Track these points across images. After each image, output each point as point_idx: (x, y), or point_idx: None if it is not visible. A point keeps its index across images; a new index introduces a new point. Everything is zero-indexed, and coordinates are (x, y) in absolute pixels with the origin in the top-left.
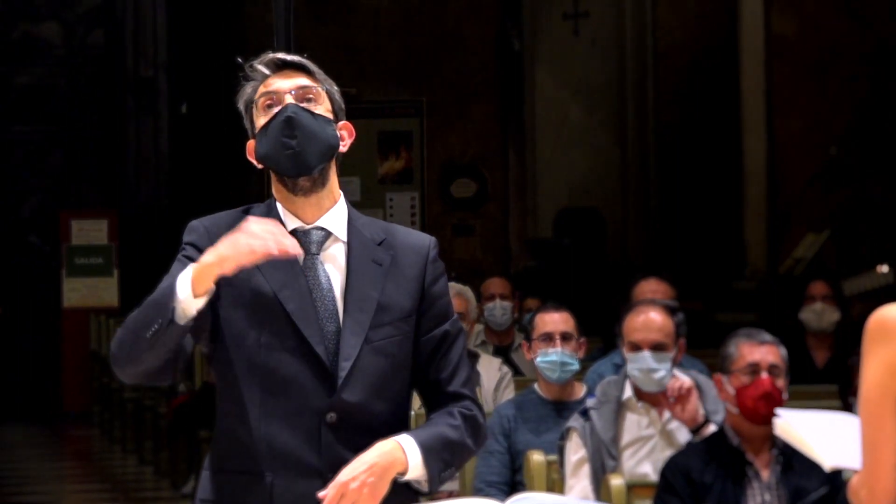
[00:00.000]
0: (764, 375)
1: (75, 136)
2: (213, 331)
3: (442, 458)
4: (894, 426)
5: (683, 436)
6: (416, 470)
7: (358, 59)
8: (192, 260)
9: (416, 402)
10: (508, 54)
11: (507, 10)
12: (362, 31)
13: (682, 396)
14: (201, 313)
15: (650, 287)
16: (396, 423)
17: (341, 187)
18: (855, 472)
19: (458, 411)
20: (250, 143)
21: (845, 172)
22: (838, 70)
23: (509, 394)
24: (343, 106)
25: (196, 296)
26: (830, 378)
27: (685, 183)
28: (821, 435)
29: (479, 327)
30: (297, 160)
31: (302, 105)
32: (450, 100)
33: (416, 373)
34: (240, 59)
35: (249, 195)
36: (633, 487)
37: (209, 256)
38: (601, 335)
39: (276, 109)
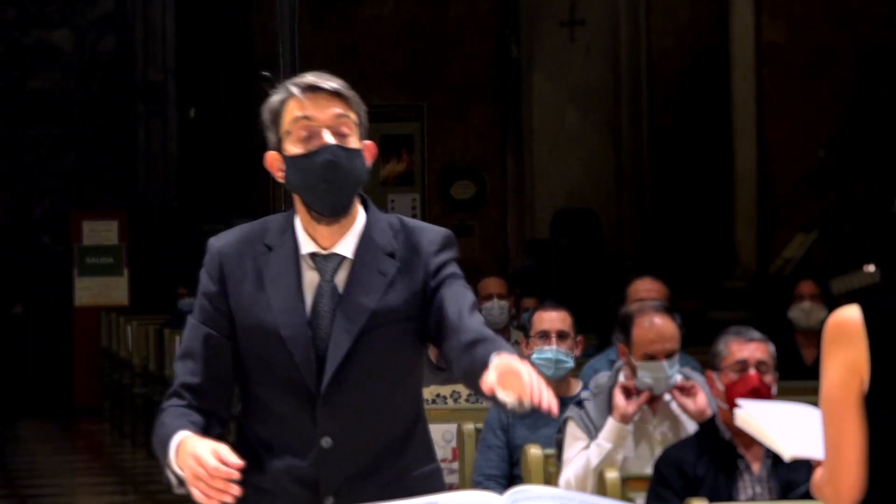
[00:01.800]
0: (752, 372)
1: (87, 139)
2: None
3: None
4: (856, 425)
5: (658, 433)
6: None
7: (360, 64)
8: (206, 297)
9: None
10: (507, 60)
11: (506, 17)
12: (365, 38)
13: (689, 391)
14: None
15: (645, 286)
16: (404, 436)
17: None
18: (817, 463)
19: (490, 335)
20: (272, 156)
21: (833, 175)
22: (827, 76)
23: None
24: (367, 123)
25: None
26: (819, 375)
27: (678, 185)
28: (781, 426)
29: None
30: (333, 202)
31: (339, 143)
32: (450, 104)
33: (436, 335)
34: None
35: (255, 196)
36: (628, 480)
37: (185, 456)
38: (597, 333)
39: (313, 144)
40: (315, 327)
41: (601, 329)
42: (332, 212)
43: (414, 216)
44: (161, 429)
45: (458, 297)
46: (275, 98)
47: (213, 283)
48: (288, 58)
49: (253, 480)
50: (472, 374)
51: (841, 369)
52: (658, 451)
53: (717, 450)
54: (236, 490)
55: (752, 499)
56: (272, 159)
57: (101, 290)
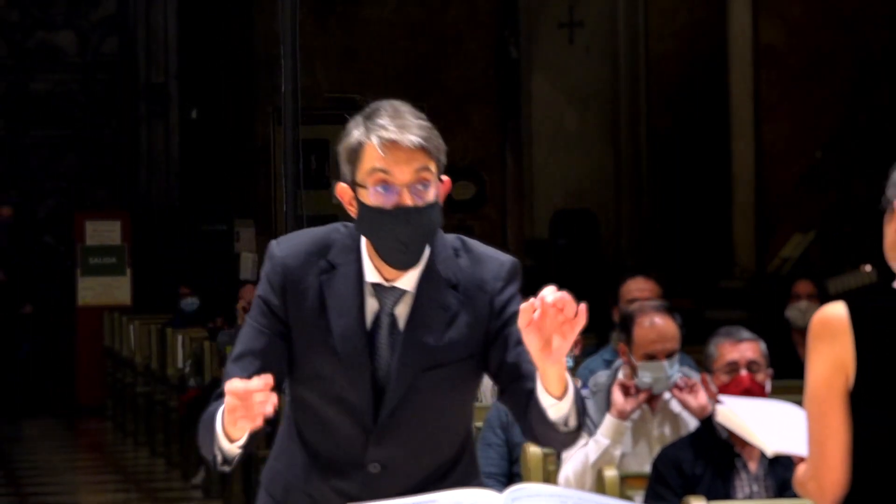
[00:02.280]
0: (743, 372)
1: (89, 140)
2: (288, 366)
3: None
4: (841, 421)
5: (657, 432)
6: (567, 402)
7: (362, 66)
8: (265, 303)
9: None
10: (506, 62)
11: (505, 19)
12: (366, 40)
13: (690, 388)
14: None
15: (637, 285)
16: (453, 459)
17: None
18: (798, 459)
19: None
20: (345, 189)
21: (830, 176)
22: (823, 78)
23: None
24: (445, 160)
25: (232, 442)
26: None
27: (676, 186)
28: (762, 422)
29: None
30: (406, 258)
31: (416, 204)
32: (450, 105)
33: (505, 382)
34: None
35: (256, 197)
36: (627, 478)
37: (226, 416)
38: (595, 332)
39: (391, 201)
40: (371, 357)
41: (599, 329)
42: (403, 266)
43: None
44: (204, 416)
45: (520, 338)
46: (353, 136)
47: (275, 295)
48: (289, 59)
49: (296, 481)
50: (536, 426)
51: (826, 366)
52: (657, 450)
53: (715, 449)
54: (273, 402)
55: (749, 497)
56: (344, 192)
57: (103, 290)
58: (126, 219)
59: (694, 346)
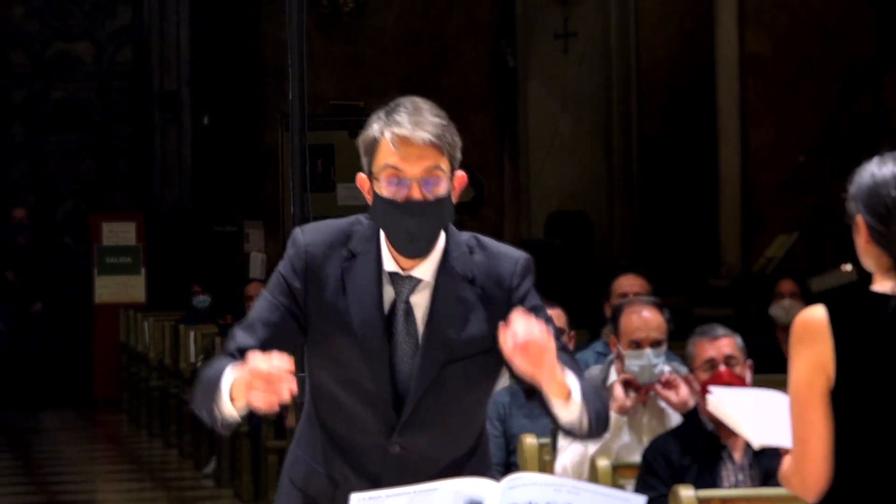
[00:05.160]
0: (722, 368)
1: (106, 145)
2: (307, 351)
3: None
4: (822, 419)
5: (645, 423)
6: (574, 406)
7: (364, 73)
8: (285, 281)
9: None
10: (504, 70)
11: (503, 29)
12: (369, 49)
13: (670, 384)
14: (285, 337)
15: (628, 282)
16: (469, 451)
17: (350, 193)
18: (785, 451)
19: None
20: (364, 179)
21: (813, 179)
22: (807, 85)
23: (504, 382)
24: (460, 155)
25: (233, 401)
26: None
27: (666, 189)
28: (750, 414)
29: None
30: (415, 249)
31: (425, 198)
32: (450, 112)
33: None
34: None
35: (265, 199)
36: (618, 468)
37: (235, 382)
38: (588, 328)
39: (401, 193)
40: (388, 342)
41: (592, 324)
42: (412, 257)
43: None
44: (207, 372)
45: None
46: (371, 129)
47: (296, 278)
48: (297, 68)
49: (319, 466)
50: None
51: (807, 367)
52: (646, 440)
53: (702, 440)
54: (293, 384)
55: (735, 486)
56: (363, 182)
57: (119, 288)
58: (140, 220)
59: (683, 342)
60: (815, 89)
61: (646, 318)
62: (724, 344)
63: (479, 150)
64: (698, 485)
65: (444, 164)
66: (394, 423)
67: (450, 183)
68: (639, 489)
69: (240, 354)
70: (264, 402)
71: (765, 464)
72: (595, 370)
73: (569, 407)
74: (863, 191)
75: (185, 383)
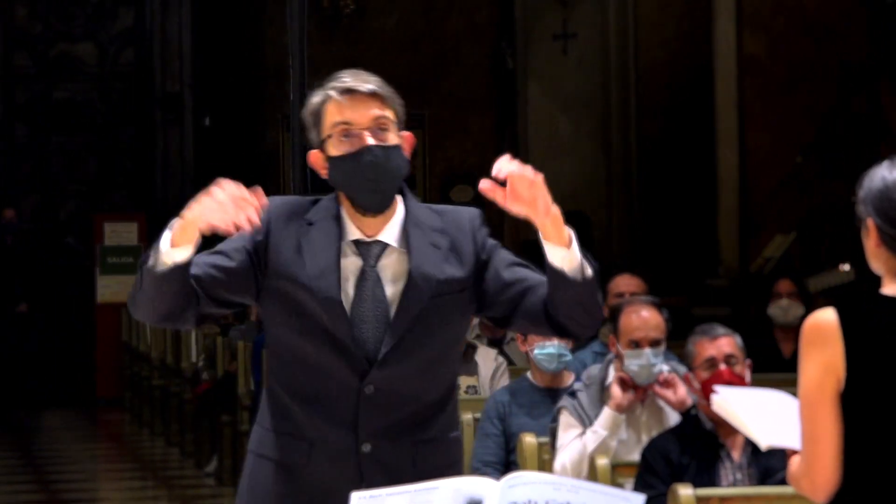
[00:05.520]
0: (722, 367)
1: (108, 146)
2: (264, 312)
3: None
4: (832, 421)
5: (644, 421)
6: (575, 249)
7: None
8: (251, 236)
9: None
10: (503, 72)
11: (502, 31)
12: (370, 51)
13: (669, 383)
14: (212, 275)
15: (624, 282)
16: (441, 400)
17: None
18: (791, 452)
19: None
20: (316, 154)
21: (810, 180)
22: (804, 87)
23: (504, 381)
24: (404, 115)
25: (174, 246)
26: (797, 367)
27: (664, 189)
28: (757, 415)
29: (475, 321)
30: (378, 199)
31: (378, 143)
32: (450, 113)
33: (513, 307)
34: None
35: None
36: (617, 467)
37: (189, 213)
38: None
39: (355, 145)
40: (359, 310)
41: None
42: (377, 208)
43: None
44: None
45: (509, 259)
46: (314, 100)
47: (259, 232)
48: (297, 69)
49: (289, 430)
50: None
51: (818, 369)
52: (645, 439)
53: (700, 439)
54: (255, 210)
55: (733, 485)
56: (315, 158)
57: (121, 288)
58: (143, 220)
59: (682, 342)
60: (811, 90)
61: (645, 318)
62: (724, 343)
63: (478, 151)
64: (697, 483)
65: (391, 115)
66: (365, 366)
67: (399, 137)
68: (637, 488)
69: (202, 274)
70: (225, 220)
71: (763, 463)
72: (594, 370)
73: (570, 250)
74: (873, 194)
75: (187, 382)
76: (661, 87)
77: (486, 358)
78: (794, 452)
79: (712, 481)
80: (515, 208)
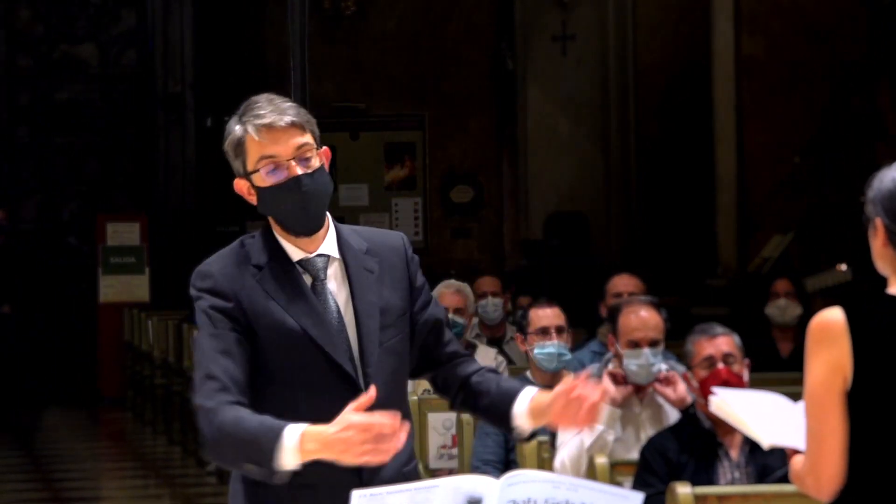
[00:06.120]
0: (720, 366)
1: (110, 146)
2: (253, 359)
3: None
4: (838, 420)
5: (643, 420)
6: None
7: (366, 77)
8: (220, 312)
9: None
10: (503, 73)
11: (502, 32)
12: (370, 52)
13: (668, 381)
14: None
15: (622, 281)
16: (404, 413)
17: (351, 194)
18: (791, 452)
19: (490, 371)
20: (242, 183)
21: (808, 180)
22: (801, 87)
23: None
24: (318, 132)
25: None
26: (794, 367)
27: (663, 189)
28: (757, 414)
29: (474, 320)
30: (311, 224)
31: (306, 170)
32: (450, 114)
33: (422, 357)
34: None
35: None
36: (616, 465)
37: (316, 445)
38: (586, 328)
39: (283, 176)
40: (328, 329)
41: (588, 323)
42: (310, 232)
43: (416, 219)
44: (230, 427)
45: (440, 315)
46: (235, 133)
47: (225, 300)
48: (299, 71)
49: (292, 480)
50: (495, 410)
51: (824, 368)
52: (643, 437)
53: (698, 438)
54: (406, 431)
55: (731, 483)
56: (241, 185)
57: (123, 288)
58: (145, 221)
59: (681, 341)
60: (809, 91)
61: (644, 318)
62: (723, 342)
63: (478, 151)
64: (695, 482)
65: (311, 139)
66: (358, 387)
67: (319, 157)
68: (636, 486)
69: (234, 387)
70: (374, 456)
71: (760, 462)
72: (593, 368)
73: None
74: (882, 194)
75: (189, 381)
76: (659, 88)
77: (486, 357)
78: (795, 452)
79: (710, 480)
80: (562, 417)
